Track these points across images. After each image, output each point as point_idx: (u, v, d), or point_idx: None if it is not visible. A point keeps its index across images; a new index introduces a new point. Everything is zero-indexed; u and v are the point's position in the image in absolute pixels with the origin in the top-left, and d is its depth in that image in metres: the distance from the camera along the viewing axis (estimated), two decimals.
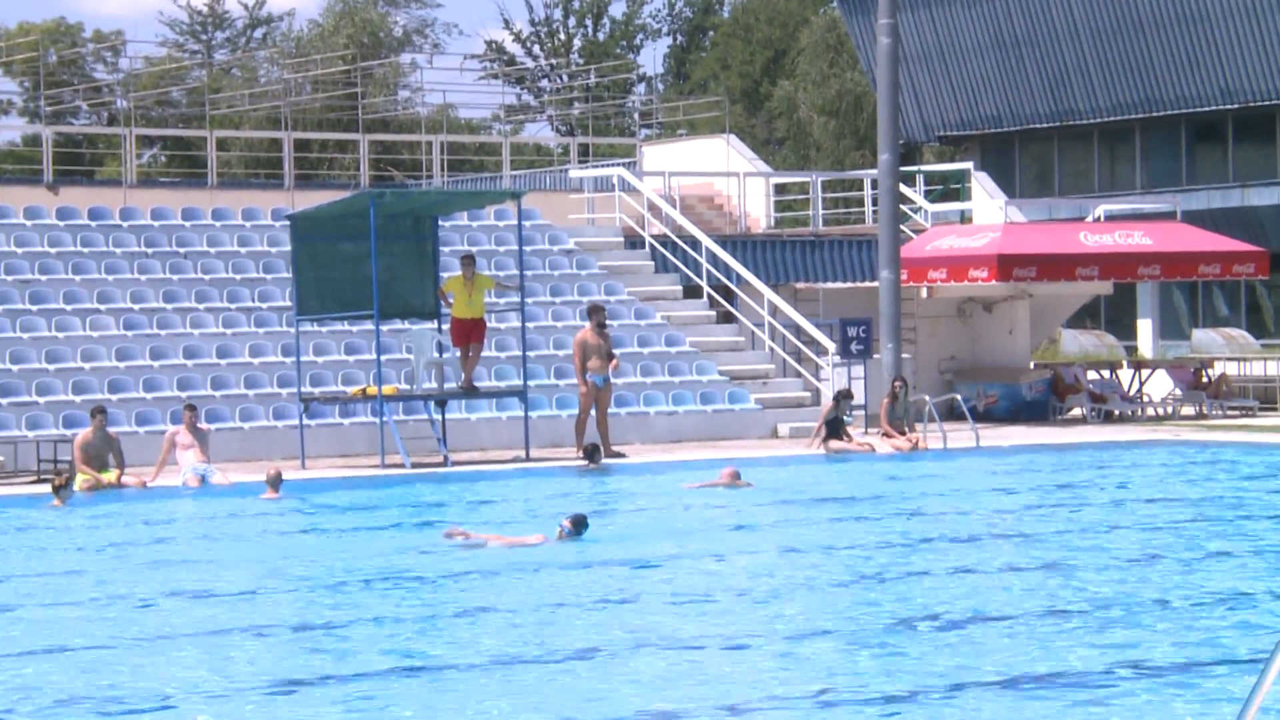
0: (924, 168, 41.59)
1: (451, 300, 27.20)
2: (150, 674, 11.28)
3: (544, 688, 10.76)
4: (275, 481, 22.00)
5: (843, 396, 27.97)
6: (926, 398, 28.76)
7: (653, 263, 34.06)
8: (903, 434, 28.08)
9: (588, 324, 27.74)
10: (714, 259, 33.38)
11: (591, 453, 25.44)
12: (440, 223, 29.00)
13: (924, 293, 34.77)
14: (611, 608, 13.58)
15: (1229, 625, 12.25)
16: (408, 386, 27.77)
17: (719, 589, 14.37)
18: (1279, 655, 7.14)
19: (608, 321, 28.68)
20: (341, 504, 21.97)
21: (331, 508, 21.62)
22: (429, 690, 10.73)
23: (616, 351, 28.26)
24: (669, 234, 34.08)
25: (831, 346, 31.18)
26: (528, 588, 14.51)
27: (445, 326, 27.63)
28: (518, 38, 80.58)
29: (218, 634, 12.67)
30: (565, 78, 73.91)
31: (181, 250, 31.41)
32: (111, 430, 24.30)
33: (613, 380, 27.88)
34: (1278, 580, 14.17)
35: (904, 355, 30.97)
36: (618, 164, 40.35)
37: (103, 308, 29.54)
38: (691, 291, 33.67)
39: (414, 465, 25.82)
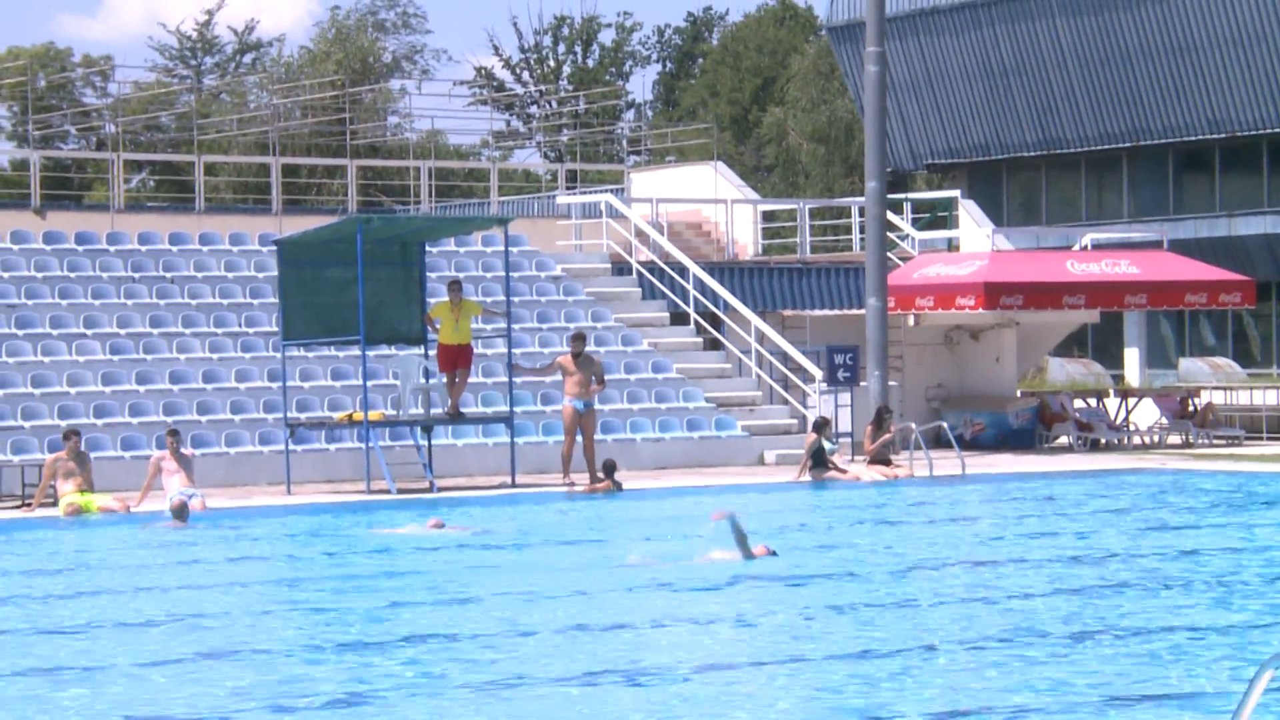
0: (911, 195, 41.64)
1: (438, 326, 27.20)
2: None
3: None
4: (179, 512, 21.75)
5: (823, 425, 27.94)
6: (913, 425, 28.74)
7: (640, 289, 34.06)
8: (888, 462, 28.09)
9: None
10: (701, 286, 33.39)
11: (610, 470, 25.45)
12: (427, 248, 28.99)
13: (911, 320, 34.79)
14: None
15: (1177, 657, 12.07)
16: (394, 412, 27.73)
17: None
18: (1257, 686, 7.13)
19: (593, 347, 28.60)
20: (253, 534, 21.42)
21: (228, 539, 20.91)
22: None
23: (607, 378, 28.26)
24: (656, 260, 34.09)
25: (818, 374, 31.17)
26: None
27: (432, 352, 27.62)
28: (507, 64, 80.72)
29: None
30: (554, 104, 73.97)
31: (168, 275, 31.38)
32: (94, 455, 24.25)
33: (597, 406, 27.87)
34: (1227, 616, 13.95)
35: (891, 383, 30.96)
36: (606, 190, 40.34)
37: (89, 332, 29.50)
38: (679, 318, 33.66)
39: (400, 491, 25.76)
